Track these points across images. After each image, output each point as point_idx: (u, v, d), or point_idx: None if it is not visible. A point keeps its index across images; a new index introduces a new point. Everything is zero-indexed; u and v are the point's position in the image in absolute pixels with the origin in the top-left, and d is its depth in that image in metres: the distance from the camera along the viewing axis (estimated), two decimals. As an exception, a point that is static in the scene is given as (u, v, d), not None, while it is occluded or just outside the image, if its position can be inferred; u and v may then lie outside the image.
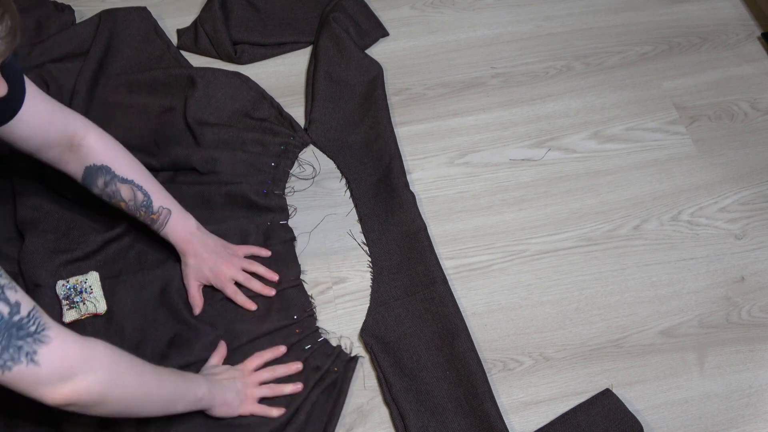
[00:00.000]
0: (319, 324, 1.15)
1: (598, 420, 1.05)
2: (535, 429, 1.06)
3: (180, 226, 1.11)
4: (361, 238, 1.23)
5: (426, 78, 1.43)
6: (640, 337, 1.15)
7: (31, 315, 0.77)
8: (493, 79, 1.44)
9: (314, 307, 1.16)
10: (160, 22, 1.48)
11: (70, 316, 1.10)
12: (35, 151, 1.03)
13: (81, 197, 1.20)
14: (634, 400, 1.09)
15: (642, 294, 1.19)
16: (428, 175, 1.31)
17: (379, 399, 1.09)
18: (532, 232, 1.25)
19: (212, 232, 1.17)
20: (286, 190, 1.27)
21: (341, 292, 1.19)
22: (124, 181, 1.06)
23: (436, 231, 1.25)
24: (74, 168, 1.06)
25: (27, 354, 0.75)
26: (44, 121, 0.99)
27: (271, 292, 1.15)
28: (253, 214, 1.23)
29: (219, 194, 1.23)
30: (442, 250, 1.23)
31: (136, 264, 1.17)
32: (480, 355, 1.12)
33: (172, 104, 1.34)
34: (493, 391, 1.09)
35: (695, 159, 1.34)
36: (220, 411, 1.01)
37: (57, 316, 1.11)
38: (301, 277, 1.19)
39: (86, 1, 1.51)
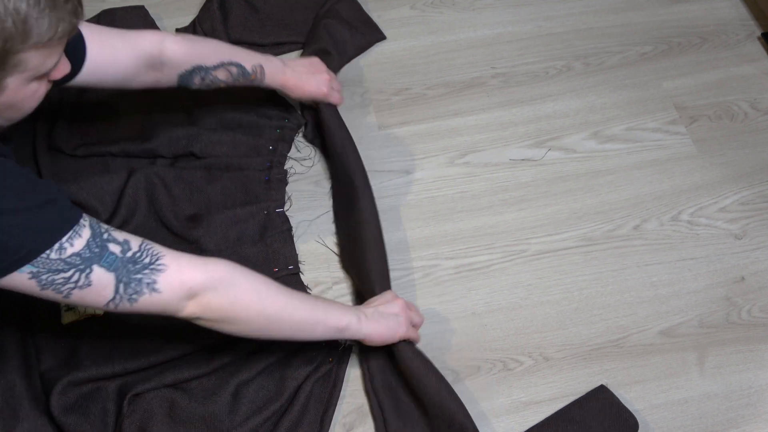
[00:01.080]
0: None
1: (593, 413, 1.05)
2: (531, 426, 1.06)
3: (273, 72, 1.20)
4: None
5: (426, 78, 1.43)
6: (640, 337, 1.15)
7: (143, 248, 0.83)
8: (493, 79, 1.44)
9: None
10: (159, 22, 1.48)
11: (68, 317, 1.10)
12: (121, 85, 1.08)
13: (78, 196, 1.20)
14: (634, 400, 1.09)
15: (642, 294, 1.19)
16: (428, 175, 1.31)
17: (379, 399, 1.09)
18: (532, 232, 1.25)
19: (210, 221, 1.20)
20: (288, 173, 1.29)
21: (341, 292, 1.19)
22: (216, 67, 1.13)
23: (436, 231, 1.25)
24: (167, 81, 1.12)
25: (147, 284, 0.81)
26: (111, 57, 1.03)
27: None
28: (251, 201, 1.24)
29: (218, 180, 1.24)
30: (442, 250, 1.23)
31: None
32: (480, 355, 1.13)
33: (167, 103, 1.35)
34: (493, 391, 1.10)
35: (695, 159, 1.34)
36: (375, 340, 1.01)
37: (56, 317, 1.10)
38: (302, 278, 1.19)
39: (86, 1, 1.50)
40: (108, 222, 1.20)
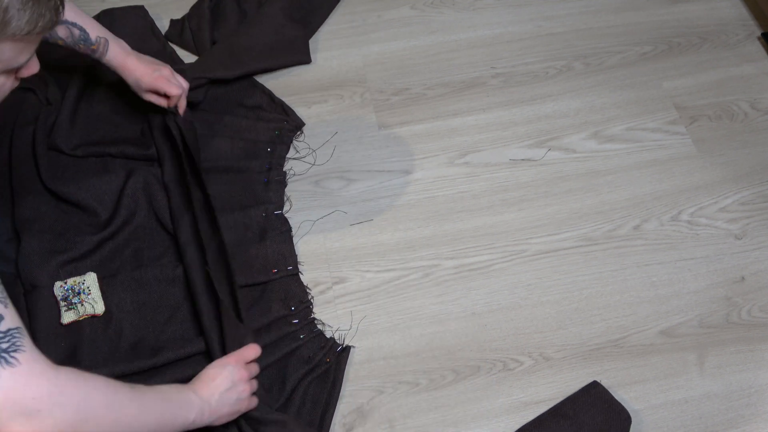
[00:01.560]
0: (315, 316, 1.15)
1: (585, 408, 1.05)
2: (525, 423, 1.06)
3: (118, 50, 1.19)
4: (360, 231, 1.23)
5: (426, 78, 1.43)
6: (640, 337, 1.15)
7: (9, 332, 0.71)
8: (493, 79, 1.43)
9: (311, 298, 1.17)
10: (158, 22, 1.48)
11: (68, 317, 1.10)
12: None
13: (77, 197, 1.20)
14: (633, 400, 1.09)
15: (642, 294, 1.19)
16: (428, 175, 1.31)
17: (379, 399, 1.09)
18: (532, 232, 1.25)
19: (208, 221, 1.19)
20: (287, 174, 1.29)
21: (341, 292, 1.19)
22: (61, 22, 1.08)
23: (436, 231, 1.25)
24: None
25: None
26: None
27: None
28: (250, 204, 1.24)
29: (217, 183, 1.23)
30: (442, 250, 1.23)
31: (133, 262, 1.18)
32: (480, 355, 1.13)
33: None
34: (493, 391, 1.10)
35: (695, 159, 1.34)
36: (220, 423, 0.95)
37: (55, 317, 1.10)
38: (302, 277, 1.19)
39: (86, 1, 1.51)
40: (108, 222, 1.19)
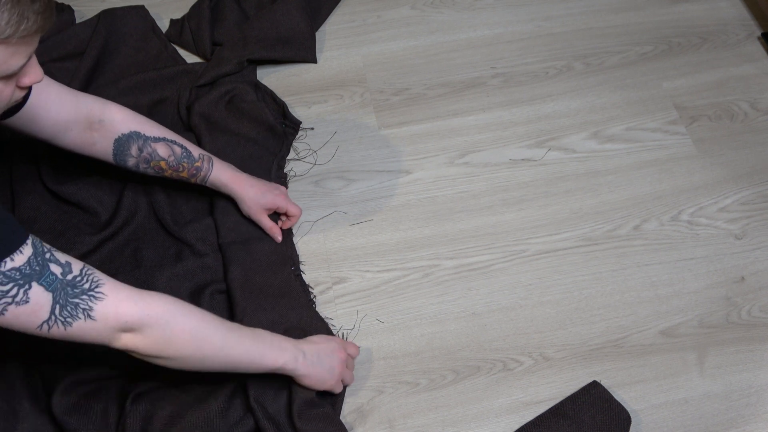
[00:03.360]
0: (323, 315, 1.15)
1: (585, 408, 1.05)
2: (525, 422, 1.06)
3: (224, 167, 1.14)
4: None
5: (426, 78, 1.43)
6: (640, 337, 1.15)
7: (83, 272, 0.80)
8: (493, 79, 1.44)
9: (314, 297, 1.17)
10: (158, 22, 1.48)
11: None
12: (51, 137, 1.04)
13: (77, 197, 1.20)
14: (633, 400, 1.09)
15: (642, 294, 1.19)
16: (428, 175, 1.31)
17: (379, 399, 1.09)
18: (532, 232, 1.25)
19: (208, 222, 1.21)
20: (288, 176, 1.29)
21: (341, 292, 1.19)
22: (157, 140, 1.08)
23: (436, 231, 1.25)
24: (103, 146, 1.07)
25: (83, 310, 0.79)
26: (53, 105, 1.00)
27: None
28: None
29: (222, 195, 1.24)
30: (442, 250, 1.23)
31: (133, 262, 1.18)
32: (480, 355, 1.13)
33: (163, 96, 1.35)
34: (493, 391, 1.10)
35: (695, 159, 1.34)
36: (305, 382, 1.00)
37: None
38: (303, 277, 1.19)
39: (86, 1, 1.51)
40: (109, 223, 1.20)
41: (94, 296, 0.80)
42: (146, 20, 1.46)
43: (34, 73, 0.81)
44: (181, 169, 1.11)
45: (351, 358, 1.08)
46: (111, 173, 1.24)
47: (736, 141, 1.36)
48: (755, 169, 1.33)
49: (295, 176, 1.30)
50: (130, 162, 1.09)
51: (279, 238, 1.19)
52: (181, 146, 1.10)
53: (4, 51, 0.74)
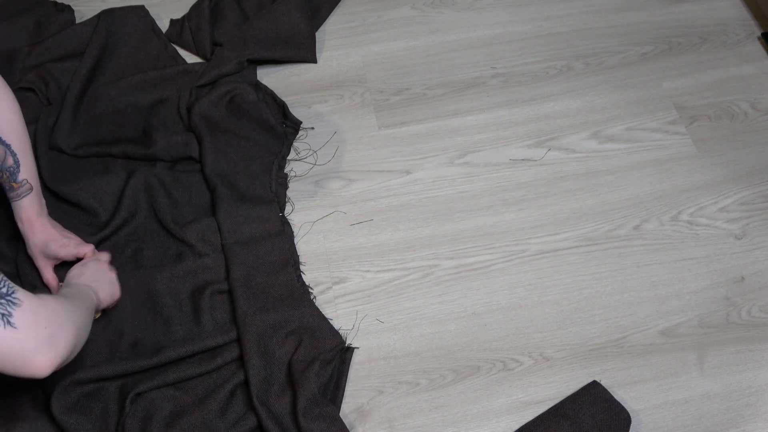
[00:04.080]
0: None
1: (585, 408, 1.05)
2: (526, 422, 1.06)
3: (34, 204, 1.09)
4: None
5: (426, 78, 1.43)
6: (640, 337, 1.15)
7: (0, 278, 0.76)
8: (493, 79, 1.43)
9: (314, 297, 1.17)
10: (158, 22, 1.48)
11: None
12: None
13: (77, 197, 1.20)
14: (634, 400, 1.09)
15: (642, 294, 1.19)
16: (428, 175, 1.31)
17: (379, 399, 1.09)
18: (532, 232, 1.25)
19: (208, 222, 1.20)
20: (288, 176, 1.28)
21: (341, 292, 1.19)
22: (1, 142, 1.03)
23: (436, 231, 1.25)
24: None
25: (3, 316, 0.74)
26: None
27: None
28: (251, 205, 1.23)
29: (218, 183, 1.23)
30: (442, 250, 1.23)
31: (132, 262, 1.18)
32: (480, 355, 1.13)
33: (163, 96, 1.35)
34: (493, 391, 1.10)
35: (695, 159, 1.34)
36: (105, 302, 1.06)
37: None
38: (303, 278, 1.19)
39: (86, 1, 1.51)
40: (108, 222, 1.20)
41: (12, 301, 0.75)
42: (146, 20, 1.46)
43: None
44: (0, 177, 1.06)
45: (101, 256, 1.13)
46: (111, 173, 1.25)
47: (736, 141, 1.36)
48: (755, 169, 1.33)
49: (295, 176, 1.30)
50: None
51: (54, 289, 1.13)
52: (17, 161, 1.05)
53: None
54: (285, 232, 1.21)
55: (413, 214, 1.27)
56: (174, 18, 1.49)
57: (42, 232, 1.10)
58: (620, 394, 1.09)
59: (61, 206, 1.22)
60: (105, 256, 1.14)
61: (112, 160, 1.28)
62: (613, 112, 1.40)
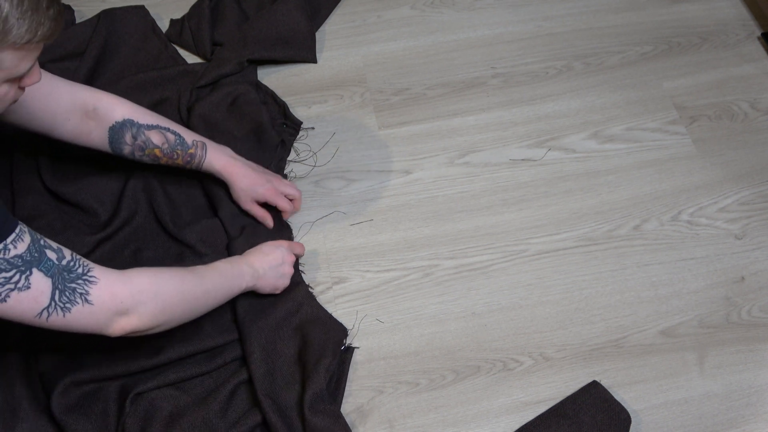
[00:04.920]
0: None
1: (585, 408, 1.05)
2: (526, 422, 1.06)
3: (219, 153, 1.15)
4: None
5: (426, 78, 1.43)
6: (640, 337, 1.15)
7: (75, 258, 0.83)
8: (493, 79, 1.44)
9: (314, 298, 1.17)
10: (158, 22, 1.48)
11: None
12: (49, 128, 1.05)
13: (76, 198, 1.20)
14: (633, 400, 1.09)
15: (642, 294, 1.19)
16: (428, 175, 1.31)
17: (379, 399, 1.09)
18: (532, 232, 1.25)
19: (206, 223, 1.20)
20: (288, 177, 1.28)
21: (341, 292, 1.19)
22: (150, 127, 1.09)
23: (436, 231, 1.25)
24: (98, 135, 1.08)
25: (80, 294, 0.82)
26: (48, 96, 1.01)
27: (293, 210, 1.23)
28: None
29: (213, 184, 1.23)
30: (442, 250, 1.23)
31: (132, 262, 1.17)
32: (480, 355, 1.13)
33: (163, 96, 1.35)
34: (493, 391, 1.10)
35: (695, 159, 1.34)
36: (261, 290, 1.09)
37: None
38: (303, 277, 1.19)
39: (86, 1, 1.51)
40: (109, 223, 1.20)
41: (88, 280, 0.83)
42: (146, 20, 1.46)
43: (35, 74, 0.83)
44: (175, 156, 1.12)
45: (298, 257, 1.18)
46: (111, 174, 1.25)
47: (736, 141, 1.36)
48: (755, 169, 1.33)
49: (295, 178, 1.30)
50: (126, 150, 1.11)
51: (270, 224, 1.20)
52: (175, 133, 1.11)
53: (18, 55, 0.77)
54: (283, 230, 1.22)
55: (413, 214, 1.27)
56: (174, 18, 1.49)
57: (245, 175, 1.16)
58: (620, 394, 1.09)
59: (61, 206, 1.21)
60: (300, 249, 1.17)
61: (112, 160, 1.28)
62: (613, 112, 1.40)
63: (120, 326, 0.87)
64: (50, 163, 1.25)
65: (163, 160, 1.13)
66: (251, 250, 1.10)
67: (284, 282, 1.11)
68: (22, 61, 0.78)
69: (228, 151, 1.18)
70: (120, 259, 1.17)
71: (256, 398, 1.04)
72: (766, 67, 1.46)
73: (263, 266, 1.07)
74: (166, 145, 1.11)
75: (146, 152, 1.11)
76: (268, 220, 1.20)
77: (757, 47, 1.49)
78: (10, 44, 0.74)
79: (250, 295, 1.13)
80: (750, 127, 1.38)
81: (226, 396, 1.05)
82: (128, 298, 0.86)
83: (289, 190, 1.20)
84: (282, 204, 1.19)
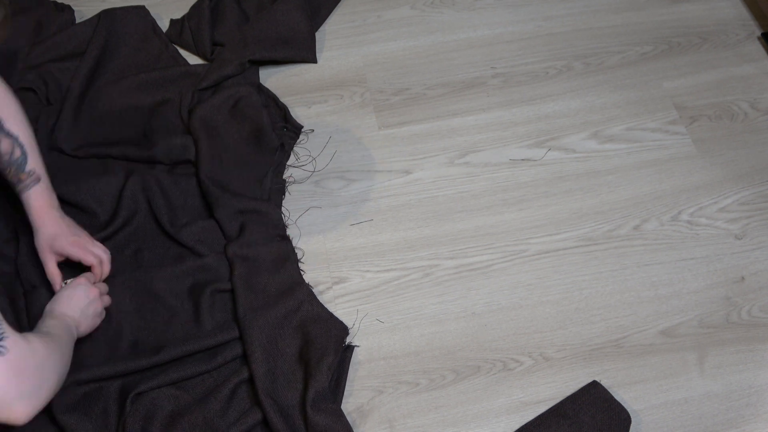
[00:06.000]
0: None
1: (585, 408, 1.05)
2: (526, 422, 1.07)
3: (44, 196, 1.08)
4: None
5: (426, 78, 1.43)
6: (640, 337, 1.15)
7: None
8: (493, 79, 1.44)
9: (315, 296, 1.17)
10: (159, 22, 1.48)
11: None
12: None
13: (76, 198, 1.20)
14: (633, 400, 1.09)
15: (642, 294, 1.19)
16: (428, 175, 1.31)
17: (379, 399, 1.09)
18: (532, 232, 1.25)
19: (204, 224, 1.19)
20: (287, 182, 1.28)
21: (341, 292, 1.19)
22: (9, 135, 1.04)
23: (436, 231, 1.25)
24: None
25: None
26: None
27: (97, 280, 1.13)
28: (249, 208, 1.23)
29: (217, 186, 1.23)
30: (442, 250, 1.23)
31: (133, 263, 1.18)
32: (480, 355, 1.13)
33: (165, 97, 1.35)
34: (493, 391, 1.10)
35: (695, 159, 1.34)
36: (85, 334, 1.05)
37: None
38: (303, 276, 1.19)
39: (86, 1, 1.51)
40: (108, 223, 1.20)
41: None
42: (146, 20, 1.46)
43: None
44: (7, 171, 1.06)
45: (101, 283, 1.11)
46: (110, 174, 1.24)
47: (736, 141, 1.36)
48: (755, 169, 1.33)
49: (294, 182, 1.30)
50: None
51: (57, 286, 1.10)
52: (24, 152, 1.05)
53: None
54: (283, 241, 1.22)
55: (413, 214, 1.27)
56: (174, 18, 1.49)
57: (52, 224, 1.08)
58: (620, 394, 1.09)
59: (60, 207, 1.21)
60: (104, 287, 1.11)
61: (112, 161, 1.28)
62: (613, 112, 1.40)
63: (29, 407, 0.79)
64: (50, 163, 1.25)
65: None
66: (51, 302, 1.03)
67: (100, 319, 1.08)
68: None
69: (52, 201, 1.09)
70: (120, 260, 1.17)
71: (257, 398, 1.04)
72: (766, 67, 1.46)
73: (75, 312, 1.02)
74: (6, 157, 1.04)
75: None
76: (56, 280, 1.10)
77: (757, 47, 1.49)
78: None
79: (250, 293, 1.13)
80: (750, 127, 1.38)
81: (226, 395, 1.05)
82: (38, 372, 0.81)
83: (97, 251, 1.10)
84: (88, 258, 1.09)
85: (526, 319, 1.16)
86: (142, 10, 1.46)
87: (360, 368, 1.12)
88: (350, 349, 1.12)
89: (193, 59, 1.45)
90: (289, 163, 1.32)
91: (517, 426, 1.07)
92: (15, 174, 1.06)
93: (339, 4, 1.54)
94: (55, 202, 1.10)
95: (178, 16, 1.50)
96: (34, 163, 1.07)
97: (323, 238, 1.24)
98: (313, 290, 1.18)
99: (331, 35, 1.50)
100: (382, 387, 1.11)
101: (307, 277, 1.19)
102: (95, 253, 1.10)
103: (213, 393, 1.05)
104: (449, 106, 1.40)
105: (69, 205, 1.21)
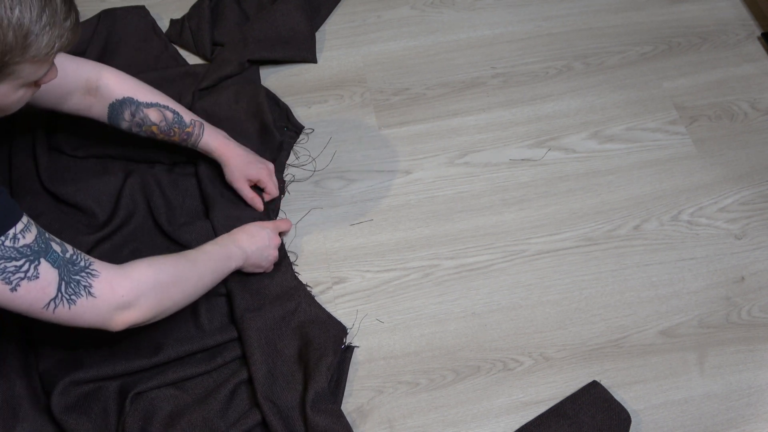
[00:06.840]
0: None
1: (585, 408, 1.05)
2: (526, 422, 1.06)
3: (216, 134, 1.17)
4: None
5: (426, 78, 1.43)
6: (640, 337, 1.15)
7: (76, 252, 0.85)
8: (493, 79, 1.44)
9: (313, 296, 1.17)
10: (159, 22, 1.48)
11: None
12: (55, 104, 1.08)
13: (75, 198, 1.20)
14: (633, 400, 1.09)
15: (642, 294, 1.19)
16: (428, 175, 1.31)
17: (379, 399, 1.09)
18: (532, 232, 1.25)
19: (202, 224, 1.20)
20: (286, 182, 1.28)
21: (341, 292, 1.19)
22: (149, 105, 1.11)
23: (436, 231, 1.25)
24: (99, 110, 1.11)
25: (84, 287, 0.84)
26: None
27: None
28: (243, 206, 1.23)
29: (215, 187, 1.23)
30: (442, 250, 1.23)
31: None
32: (480, 355, 1.13)
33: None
34: (493, 391, 1.10)
35: (695, 159, 1.34)
36: (248, 270, 1.12)
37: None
38: (300, 277, 1.19)
39: (86, 1, 1.51)
40: (107, 223, 1.20)
41: (90, 273, 0.85)
42: (146, 20, 1.46)
43: (52, 73, 0.85)
44: (172, 133, 1.14)
45: (283, 235, 1.21)
46: (109, 174, 1.25)
47: (736, 141, 1.36)
48: (755, 169, 1.33)
49: (294, 181, 1.30)
50: (123, 125, 1.13)
51: (260, 207, 1.21)
52: (174, 111, 1.13)
53: (37, 65, 0.79)
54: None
55: (413, 214, 1.27)
56: (174, 18, 1.49)
57: (238, 155, 1.18)
58: (620, 394, 1.09)
59: (59, 207, 1.21)
60: (285, 226, 1.19)
61: (111, 161, 1.28)
62: (613, 112, 1.40)
63: (122, 320, 0.88)
64: (48, 163, 1.25)
65: (160, 137, 1.15)
66: (237, 229, 1.11)
67: (268, 264, 1.13)
68: (40, 69, 0.80)
69: (223, 133, 1.19)
70: (119, 259, 1.16)
71: (256, 400, 1.04)
72: (766, 67, 1.46)
73: (250, 247, 1.09)
74: (163, 123, 1.13)
75: (143, 129, 1.13)
76: (257, 202, 1.21)
77: (757, 47, 1.49)
78: (30, 57, 0.76)
79: (246, 294, 1.13)
80: (750, 127, 1.38)
81: (226, 395, 1.05)
82: (128, 292, 0.87)
83: (275, 179, 1.22)
84: (271, 188, 1.21)
85: (526, 319, 1.16)
86: (142, 10, 1.47)
87: (360, 368, 1.12)
88: (350, 349, 1.12)
89: (193, 59, 1.45)
90: (289, 162, 1.32)
91: (517, 426, 1.07)
92: (182, 131, 1.14)
93: (339, 4, 1.54)
94: (225, 134, 1.19)
95: (178, 16, 1.50)
96: (189, 114, 1.15)
97: (323, 238, 1.24)
98: (313, 290, 1.18)
99: (331, 35, 1.50)
100: (382, 387, 1.11)
101: (307, 277, 1.19)
102: (277, 186, 1.22)
103: (212, 393, 1.05)
104: (449, 106, 1.40)
105: (68, 205, 1.22)
